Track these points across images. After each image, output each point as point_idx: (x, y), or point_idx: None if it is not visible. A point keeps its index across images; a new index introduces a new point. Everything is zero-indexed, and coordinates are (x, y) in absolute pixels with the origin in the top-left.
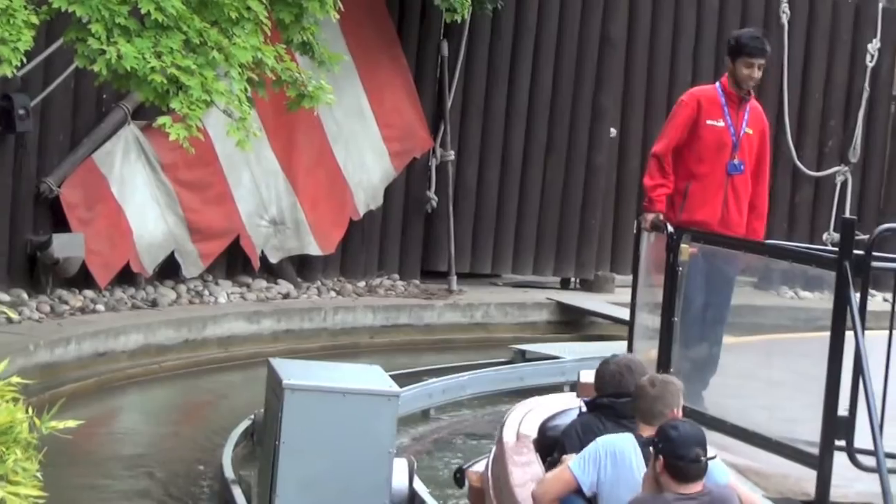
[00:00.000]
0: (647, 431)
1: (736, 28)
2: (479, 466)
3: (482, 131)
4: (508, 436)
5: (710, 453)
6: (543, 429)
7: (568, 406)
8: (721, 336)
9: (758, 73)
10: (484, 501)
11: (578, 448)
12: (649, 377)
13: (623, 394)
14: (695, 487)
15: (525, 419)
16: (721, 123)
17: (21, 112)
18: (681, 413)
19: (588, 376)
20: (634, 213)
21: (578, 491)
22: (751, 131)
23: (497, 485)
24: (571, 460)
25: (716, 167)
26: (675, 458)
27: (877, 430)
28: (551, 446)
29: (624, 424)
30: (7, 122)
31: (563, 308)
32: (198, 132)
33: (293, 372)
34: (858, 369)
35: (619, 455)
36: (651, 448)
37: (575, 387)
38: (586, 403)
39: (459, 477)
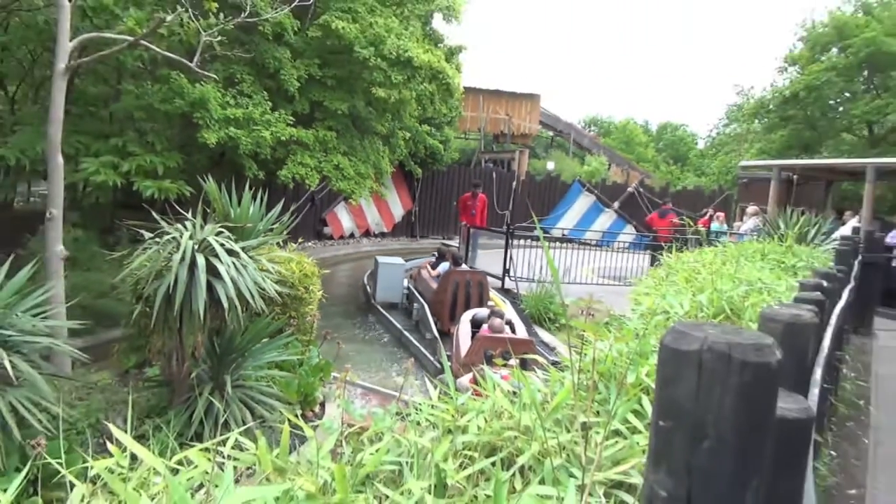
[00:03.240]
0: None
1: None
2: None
3: (422, 204)
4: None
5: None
6: (429, 265)
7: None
8: (477, 249)
9: (480, 190)
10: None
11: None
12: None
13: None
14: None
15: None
16: (470, 202)
17: (317, 199)
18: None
19: (438, 253)
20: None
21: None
22: (479, 202)
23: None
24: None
25: (470, 214)
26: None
27: (512, 273)
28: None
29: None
30: (312, 202)
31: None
32: (357, 201)
33: (381, 260)
34: (508, 256)
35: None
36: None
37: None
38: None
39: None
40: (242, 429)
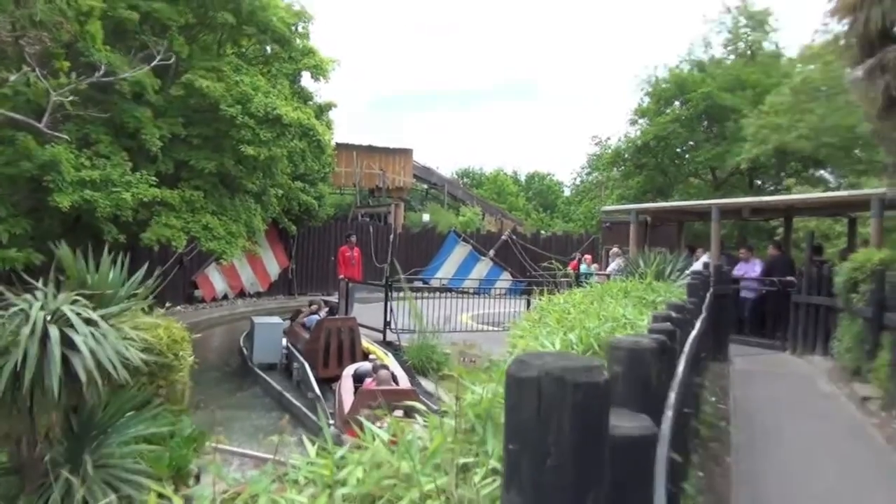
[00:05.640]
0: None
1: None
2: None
3: (299, 261)
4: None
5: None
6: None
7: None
8: (354, 304)
9: (354, 241)
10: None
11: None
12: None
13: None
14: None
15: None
16: (349, 254)
17: (186, 261)
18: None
19: (311, 306)
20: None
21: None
22: (356, 253)
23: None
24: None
25: (350, 265)
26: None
27: (392, 325)
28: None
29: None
30: (181, 264)
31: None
32: (229, 261)
33: (257, 320)
34: (388, 309)
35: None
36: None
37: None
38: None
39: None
40: None
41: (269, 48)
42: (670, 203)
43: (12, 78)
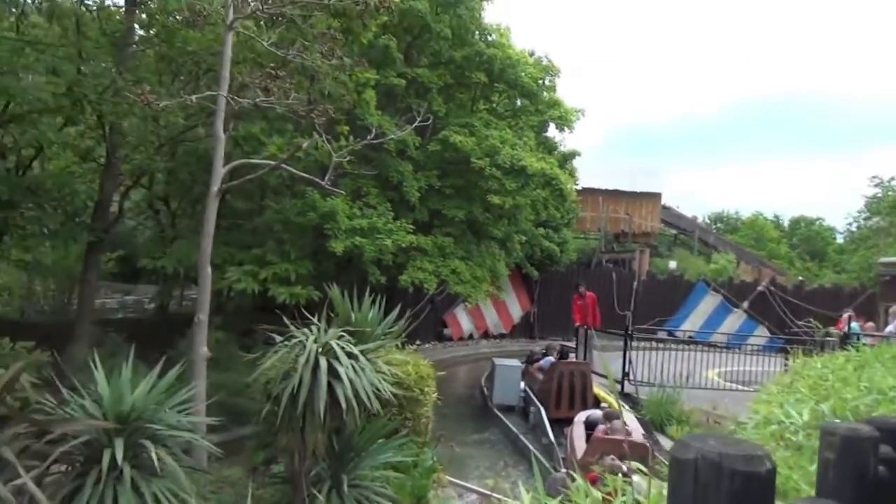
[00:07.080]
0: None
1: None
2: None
3: (541, 305)
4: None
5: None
6: (536, 360)
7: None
8: (593, 351)
9: (583, 290)
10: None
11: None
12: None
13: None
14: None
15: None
16: (580, 302)
17: (437, 299)
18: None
19: (546, 350)
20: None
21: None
22: (589, 300)
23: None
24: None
25: (582, 313)
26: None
27: (631, 377)
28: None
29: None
30: (432, 304)
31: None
32: (474, 303)
33: (498, 362)
34: (626, 360)
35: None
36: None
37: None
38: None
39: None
40: None
41: (518, 102)
42: None
43: (305, 144)
